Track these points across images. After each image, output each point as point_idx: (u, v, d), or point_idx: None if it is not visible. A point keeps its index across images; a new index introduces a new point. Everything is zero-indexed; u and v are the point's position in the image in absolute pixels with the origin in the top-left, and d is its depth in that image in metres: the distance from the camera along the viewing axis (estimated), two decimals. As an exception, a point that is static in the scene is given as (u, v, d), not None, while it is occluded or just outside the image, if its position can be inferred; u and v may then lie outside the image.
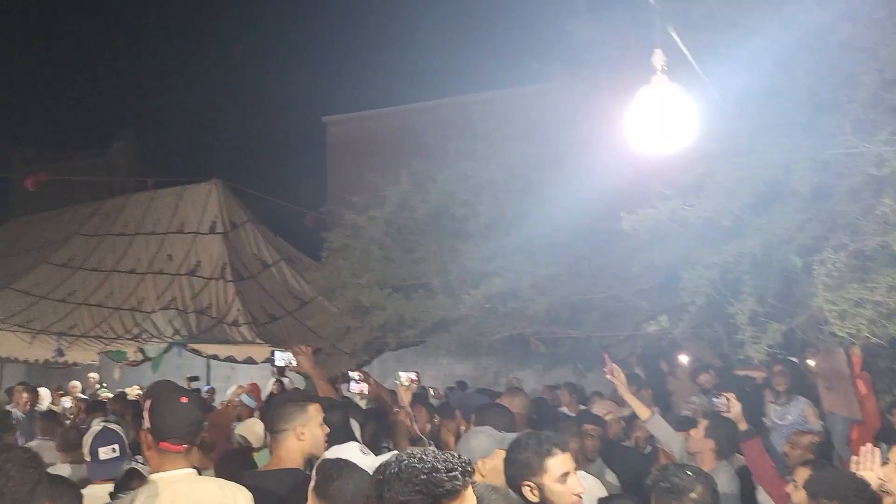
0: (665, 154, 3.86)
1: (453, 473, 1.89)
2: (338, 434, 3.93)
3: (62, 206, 13.78)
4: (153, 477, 2.73)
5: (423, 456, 1.95)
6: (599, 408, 6.95)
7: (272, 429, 3.58)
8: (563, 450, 3.03)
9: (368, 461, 3.39)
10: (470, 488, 1.98)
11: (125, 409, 9.03)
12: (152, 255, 11.14)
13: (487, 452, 3.50)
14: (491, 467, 3.49)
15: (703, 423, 4.75)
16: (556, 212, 6.00)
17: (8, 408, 9.40)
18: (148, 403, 2.82)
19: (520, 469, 3.05)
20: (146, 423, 2.77)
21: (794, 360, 7.91)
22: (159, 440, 2.71)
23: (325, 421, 3.87)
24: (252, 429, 6.01)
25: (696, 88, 3.77)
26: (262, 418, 6.42)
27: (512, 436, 3.69)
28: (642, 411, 5.17)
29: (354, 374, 6.96)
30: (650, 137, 3.73)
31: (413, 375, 5.88)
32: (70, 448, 5.63)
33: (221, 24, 39.58)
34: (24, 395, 9.98)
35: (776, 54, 4.41)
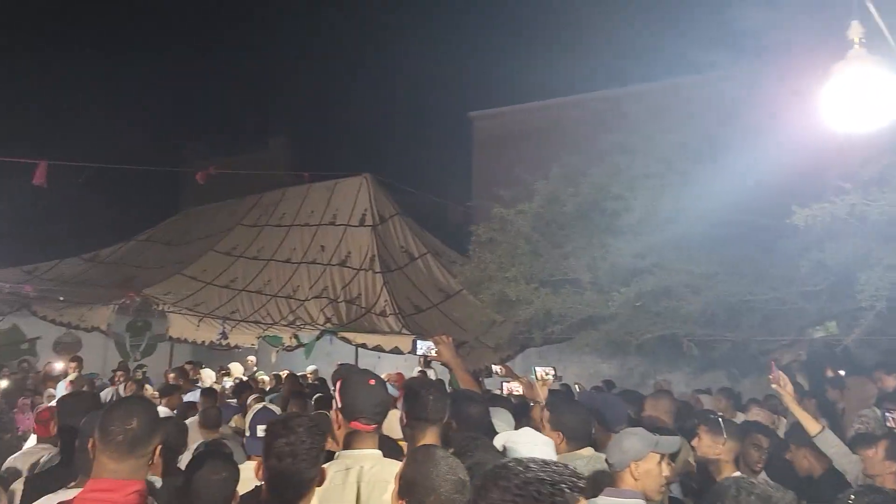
0: (858, 134, 3.48)
1: (558, 487, 1.67)
2: (477, 427, 3.88)
3: (226, 199, 14.69)
4: (342, 452, 2.82)
5: (530, 464, 1.74)
6: (756, 416, 6.53)
7: (413, 417, 3.55)
8: None
9: (542, 439, 3.31)
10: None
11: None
12: (306, 245, 11.68)
13: (642, 455, 3.35)
14: (644, 470, 3.34)
15: (883, 444, 4.30)
16: (716, 207, 5.70)
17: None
18: (338, 385, 2.91)
19: None
20: (337, 403, 2.86)
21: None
22: (350, 420, 2.80)
23: (465, 414, 3.84)
24: (391, 419, 6.08)
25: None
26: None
27: (669, 439, 3.52)
28: (811, 425, 4.75)
29: (497, 368, 6.92)
30: (846, 116, 3.35)
31: (550, 370, 5.75)
32: (211, 426, 5.93)
33: (372, 24, 40.83)
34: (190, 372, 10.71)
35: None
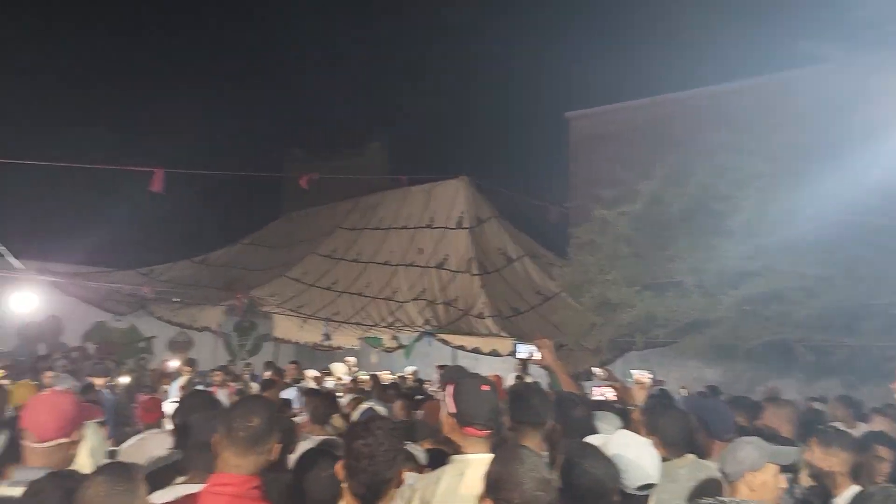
0: None
1: None
2: (580, 430, 3.84)
3: (325, 203, 15.05)
4: (456, 457, 2.82)
5: None
6: (879, 426, 6.18)
7: (517, 420, 3.54)
8: None
9: (642, 440, 3.24)
10: None
11: (383, 394, 9.53)
12: (404, 248, 11.83)
13: (758, 465, 3.22)
14: (761, 482, 3.21)
15: None
16: (831, 207, 5.44)
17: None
18: (451, 389, 2.93)
19: None
20: (451, 408, 2.88)
21: None
22: (464, 425, 2.80)
23: (569, 417, 3.80)
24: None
25: None
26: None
27: (786, 450, 3.38)
28: (942, 438, 4.46)
29: (599, 371, 6.81)
30: None
31: (648, 374, 5.63)
32: (320, 422, 6.10)
33: (467, 27, 41.04)
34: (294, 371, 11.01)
35: None
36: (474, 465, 2.78)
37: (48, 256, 14.07)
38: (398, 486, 2.55)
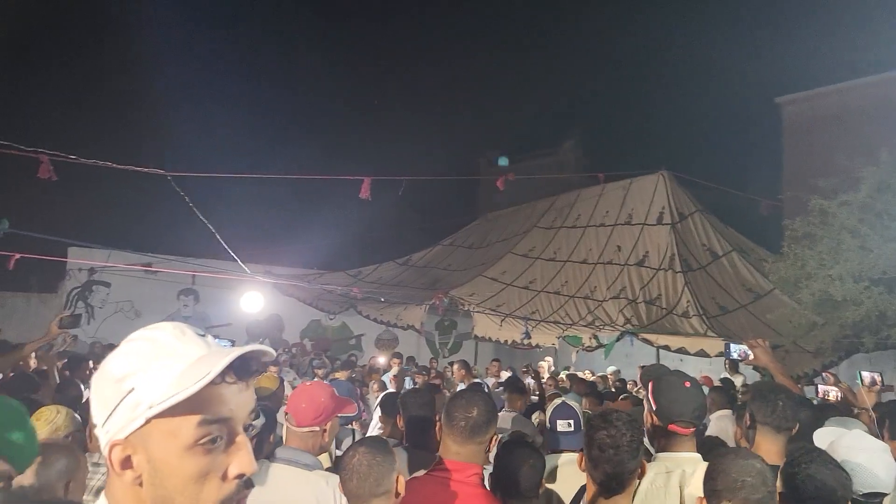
0: None
1: None
2: (805, 434, 3.61)
3: (520, 203, 15.22)
4: (661, 455, 2.79)
5: None
6: None
7: (758, 421, 3.37)
8: None
9: (879, 444, 2.99)
10: None
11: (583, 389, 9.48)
12: (602, 246, 11.69)
13: None
14: None
15: None
16: None
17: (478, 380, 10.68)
18: (651, 386, 2.89)
19: None
20: (651, 405, 2.84)
21: None
22: (667, 423, 2.75)
23: (795, 419, 3.58)
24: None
25: None
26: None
27: None
28: None
29: (825, 376, 6.34)
30: None
31: (877, 376, 5.13)
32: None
33: (665, 13, 39.65)
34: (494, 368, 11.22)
35: None
36: (681, 463, 2.71)
37: (270, 261, 15.45)
38: (641, 477, 2.54)
